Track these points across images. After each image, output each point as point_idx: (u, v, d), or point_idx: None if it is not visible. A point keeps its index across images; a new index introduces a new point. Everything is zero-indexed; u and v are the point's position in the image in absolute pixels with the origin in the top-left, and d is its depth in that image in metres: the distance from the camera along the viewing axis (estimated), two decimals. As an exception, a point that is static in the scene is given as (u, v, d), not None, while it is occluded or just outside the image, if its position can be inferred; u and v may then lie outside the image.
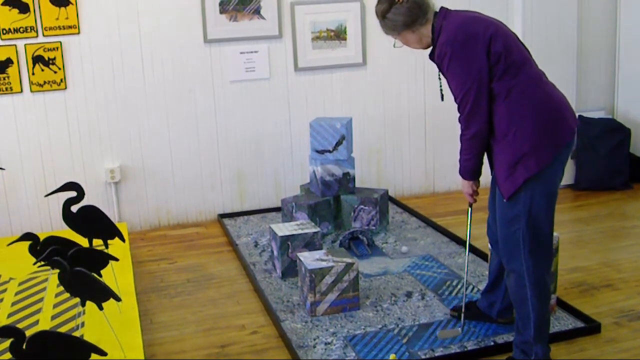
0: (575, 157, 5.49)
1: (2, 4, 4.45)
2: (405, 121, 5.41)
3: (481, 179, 2.99)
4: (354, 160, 4.71)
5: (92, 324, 3.22)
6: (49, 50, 4.58)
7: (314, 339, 3.25)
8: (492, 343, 3.14)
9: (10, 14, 4.48)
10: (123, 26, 4.73)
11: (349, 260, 3.51)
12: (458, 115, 2.84)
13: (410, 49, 3.04)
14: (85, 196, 3.47)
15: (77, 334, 3.09)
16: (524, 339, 2.88)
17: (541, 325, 2.85)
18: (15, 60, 4.54)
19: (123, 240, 3.62)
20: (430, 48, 2.93)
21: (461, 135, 2.86)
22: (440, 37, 2.82)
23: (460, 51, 2.74)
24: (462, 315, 3.26)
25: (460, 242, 4.33)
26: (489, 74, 2.74)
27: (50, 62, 4.60)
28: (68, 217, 3.43)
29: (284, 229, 4.01)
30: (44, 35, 4.57)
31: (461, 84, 2.76)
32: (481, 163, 2.91)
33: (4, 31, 4.49)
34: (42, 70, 4.60)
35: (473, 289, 3.70)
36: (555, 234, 3.29)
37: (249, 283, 3.97)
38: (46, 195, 3.74)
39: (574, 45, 5.50)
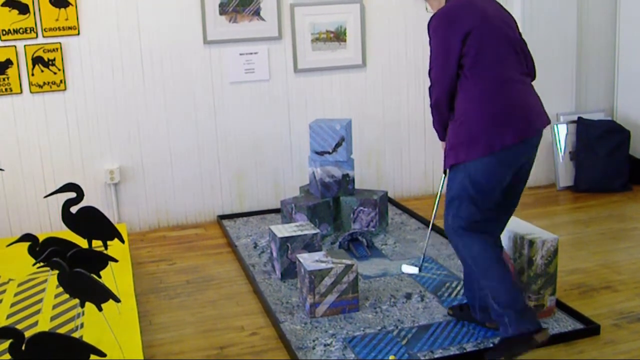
0: (574, 159, 5.49)
1: (2, 5, 4.45)
2: (404, 123, 5.41)
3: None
4: (354, 162, 4.71)
5: (92, 325, 3.22)
6: (49, 51, 4.58)
7: (313, 341, 3.25)
8: (491, 345, 3.14)
9: (10, 15, 4.48)
10: (123, 27, 4.73)
11: (348, 261, 3.51)
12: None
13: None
14: (85, 197, 3.47)
15: (76, 335, 3.09)
16: (495, 314, 2.93)
17: (502, 301, 2.88)
18: (15, 61, 4.54)
19: (122, 241, 3.62)
20: None
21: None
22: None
23: (440, 29, 2.94)
24: (423, 255, 3.69)
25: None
26: (459, 59, 2.90)
27: (50, 63, 4.60)
28: (67, 218, 3.43)
29: (283, 230, 4.00)
30: (43, 36, 4.57)
31: (433, 57, 3.00)
32: (445, 130, 3.12)
33: (4, 32, 4.49)
34: (42, 71, 4.60)
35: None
36: (554, 235, 3.30)
37: (248, 284, 3.97)
38: (45, 197, 3.74)
39: (574, 46, 5.51)
